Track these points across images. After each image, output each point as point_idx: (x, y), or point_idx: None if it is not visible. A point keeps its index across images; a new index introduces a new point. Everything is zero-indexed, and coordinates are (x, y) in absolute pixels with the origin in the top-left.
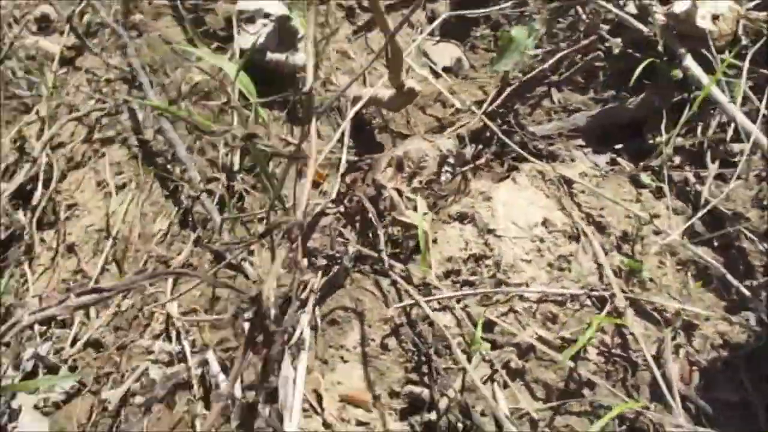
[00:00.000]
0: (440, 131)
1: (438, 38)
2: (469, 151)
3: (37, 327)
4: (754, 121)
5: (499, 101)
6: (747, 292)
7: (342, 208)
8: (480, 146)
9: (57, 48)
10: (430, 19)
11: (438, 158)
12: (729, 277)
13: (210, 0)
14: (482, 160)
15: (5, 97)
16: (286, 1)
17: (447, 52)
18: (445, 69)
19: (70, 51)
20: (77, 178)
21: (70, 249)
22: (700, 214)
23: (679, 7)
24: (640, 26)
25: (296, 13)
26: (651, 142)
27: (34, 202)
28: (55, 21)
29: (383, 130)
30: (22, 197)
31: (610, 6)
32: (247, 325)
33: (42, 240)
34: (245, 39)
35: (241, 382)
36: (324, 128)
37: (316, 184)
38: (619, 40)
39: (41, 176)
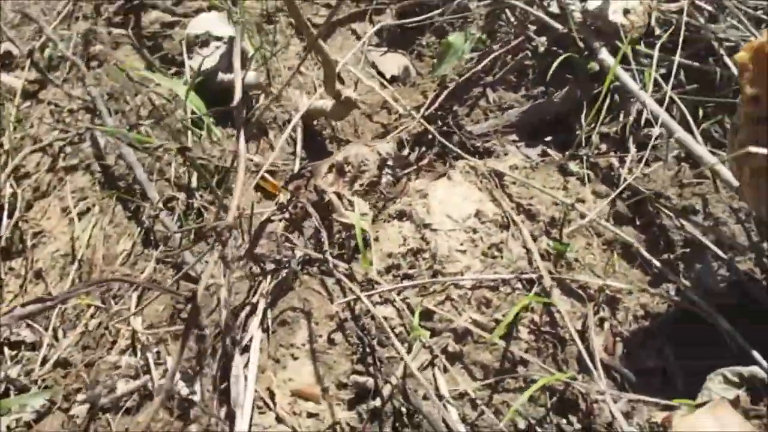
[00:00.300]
0: (385, 137)
1: (386, 49)
2: (410, 153)
3: (7, 351)
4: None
5: (437, 104)
6: (660, 266)
7: (287, 215)
8: (423, 148)
9: (19, 83)
10: (379, 33)
11: (378, 162)
12: (646, 253)
13: (167, 27)
14: (425, 161)
15: None
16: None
17: (394, 62)
18: (394, 78)
19: (33, 84)
20: (43, 206)
21: (38, 275)
22: (614, 194)
23: (592, 4)
24: (557, 25)
25: (246, 35)
26: (578, 132)
27: (1, 232)
28: (17, 57)
29: (333, 140)
30: None
31: (532, 10)
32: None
33: (10, 268)
34: (198, 62)
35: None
36: (277, 141)
37: (272, 195)
38: (544, 39)
39: (6, 207)
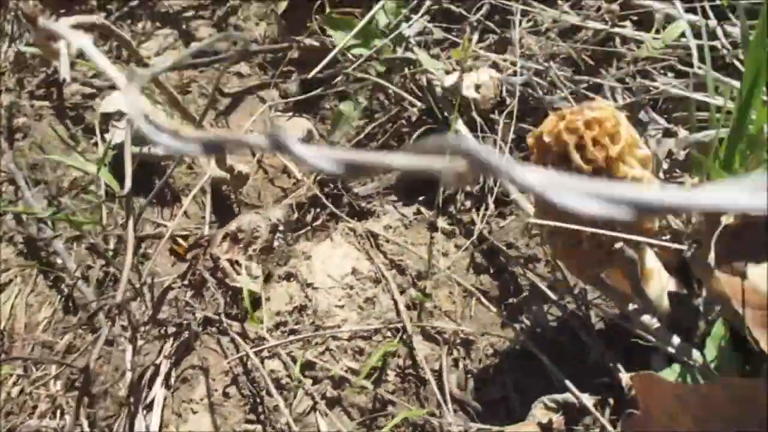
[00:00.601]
0: (284, 200)
1: (291, 114)
2: (304, 216)
3: None
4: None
5: None
6: (506, 310)
7: (188, 281)
8: (318, 209)
9: None
10: (284, 97)
11: (269, 227)
12: (494, 296)
13: (88, 98)
14: (319, 222)
15: None
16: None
17: (299, 126)
18: (297, 140)
19: None
20: None
21: None
22: (466, 244)
23: (448, 81)
24: (417, 103)
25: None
26: (447, 192)
27: None
28: None
29: (239, 203)
30: None
31: (397, 89)
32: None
33: None
34: (116, 135)
35: None
36: (191, 207)
37: (184, 258)
38: (415, 109)
39: None
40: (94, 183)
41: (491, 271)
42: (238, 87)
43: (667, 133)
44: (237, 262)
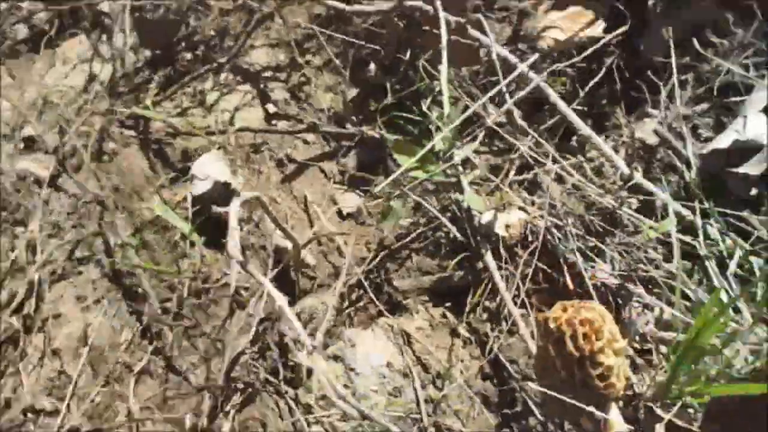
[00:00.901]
0: (336, 277)
1: (346, 187)
2: (349, 301)
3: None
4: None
5: (376, 261)
6: (502, 417)
7: (256, 348)
8: (361, 292)
9: (45, 173)
10: (342, 172)
11: (324, 311)
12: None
13: (170, 136)
14: (362, 303)
15: None
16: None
17: (351, 201)
18: (349, 214)
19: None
20: (59, 291)
21: (55, 353)
22: (484, 360)
23: (485, 218)
24: (458, 235)
25: (238, 174)
26: (468, 302)
27: (25, 311)
28: (38, 142)
29: (299, 273)
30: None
31: (445, 221)
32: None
33: (31, 342)
34: (197, 188)
35: None
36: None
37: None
38: (455, 228)
39: (36, 285)
40: (171, 230)
41: (495, 381)
42: (303, 155)
43: (647, 308)
44: (297, 340)
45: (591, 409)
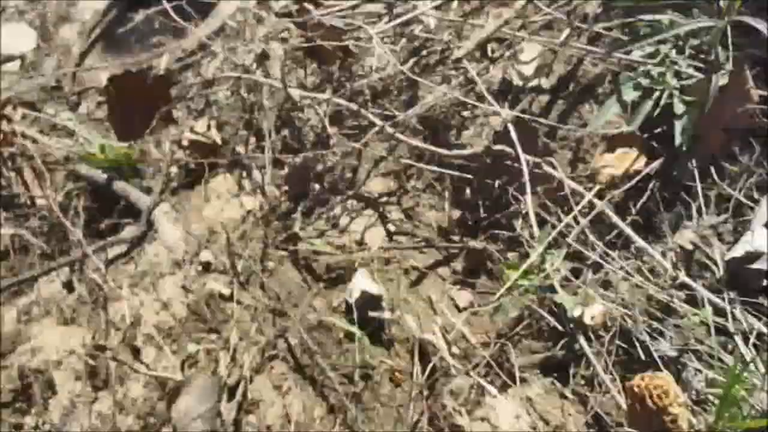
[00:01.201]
0: (464, 359)
1: (459, 286)
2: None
3: None
4: None
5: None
6: None
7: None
8: (489, 368)
9: (227, 290)
10: (454, 272)
11: (472, 386)
12: None
13: (314, 254)
14: (489, 378)
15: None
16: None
17: (465, 297)
18: (464, 308)
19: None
20: (260, 381)
21: (269, 428)
22: (588, 413)
23: (576, 312)
24: (557, 324)
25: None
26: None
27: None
28: (214, 265)
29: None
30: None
31: (546, 315)
32: None
33: (249, 423)
34: (355, 292)
35: None
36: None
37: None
38: (554, 319)
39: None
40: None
41: (596, 429)
42: (422, 263)
43: (698, 371)
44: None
45: None
